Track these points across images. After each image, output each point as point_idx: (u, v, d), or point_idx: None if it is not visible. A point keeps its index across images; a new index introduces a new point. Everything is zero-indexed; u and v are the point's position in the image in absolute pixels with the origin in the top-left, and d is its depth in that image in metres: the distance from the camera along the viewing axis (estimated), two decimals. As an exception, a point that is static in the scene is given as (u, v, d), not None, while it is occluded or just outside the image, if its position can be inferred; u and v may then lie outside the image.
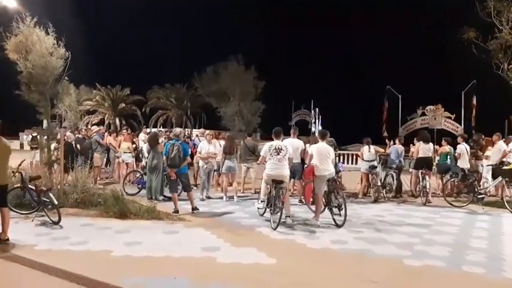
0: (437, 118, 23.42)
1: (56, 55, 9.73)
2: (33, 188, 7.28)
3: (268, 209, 7.41)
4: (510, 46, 16.57)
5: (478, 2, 18.83)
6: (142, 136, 14.67)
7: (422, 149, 10.19)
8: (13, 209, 7.66)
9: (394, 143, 11.23)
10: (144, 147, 13.80)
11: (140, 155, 12.93)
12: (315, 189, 7.56)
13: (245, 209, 8.83)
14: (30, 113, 10.49)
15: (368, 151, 10.55)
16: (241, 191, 10.87)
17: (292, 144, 9.38)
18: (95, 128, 12.96)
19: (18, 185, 7.57)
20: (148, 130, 19.10)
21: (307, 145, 9.40)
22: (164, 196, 9.75)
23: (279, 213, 6.81)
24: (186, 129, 30.88)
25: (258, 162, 8.12)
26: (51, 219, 7.12)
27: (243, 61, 24.38)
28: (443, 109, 25.33)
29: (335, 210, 7.26)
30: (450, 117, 25.09)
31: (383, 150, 11.24)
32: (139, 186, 10.52)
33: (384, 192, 10.38)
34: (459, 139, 11.08)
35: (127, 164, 12.48)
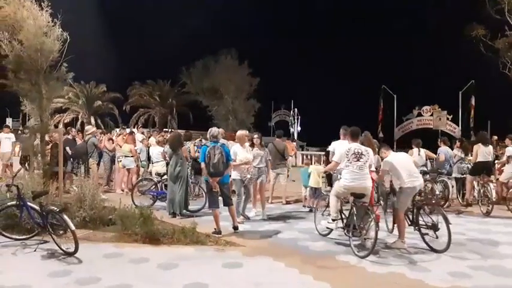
0: (442, 119, 22.65)
1: (51, 36, 7.81)
2: (37, 208, 5.45)
3: (339, 228, 5.96)
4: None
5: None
6: (139, 137, 12.81)
7: (482, 152, 8.97)
8: (3, 233, 5.81)
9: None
10: (143, 149, 12.03)
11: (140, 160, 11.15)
12: (394, 205, 6.10)
13: (294, 226, 7.29)
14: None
15: (418, 154, 9.27)
16: (269, 201, 9.36)
17: (343, 146, 8.02)
18: (91, 129, 10.91)
19: (14, 202, 5.69)
20: (129, 130, 17.13)
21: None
22: (188, 211, 8.06)
23: (370, 240, 5.33)
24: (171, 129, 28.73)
25: (328, 169, 6.51)
26: (62, 249, 5.30)
27: (236, 56, 22.75)
28: (440, 109, 24.80)
29: (426, 231, 5.82)
30: (448, 118, 24.57)
31: (434, 155, 9.97)
32: (155, 197, 8.71)
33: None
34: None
35: (129, 169, 10.62)
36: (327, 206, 6.72)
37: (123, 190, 10.31)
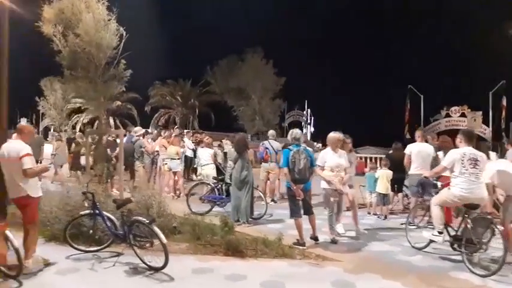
0: (477, 120, 21.94)
1: (108, 31, 7.30)
2: (112, 217, 4.93)
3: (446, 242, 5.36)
4: None
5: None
6: (187, 141, 12.25)
7: None
8: (72, 244, 5.29)
9: None
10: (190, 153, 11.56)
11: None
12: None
13: (377, 237, 6.67)
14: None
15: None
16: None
17: (421, 150, 7.43)
18: (140, 130, 10.35)
19: (88, 211, 5.17)
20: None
21: (439, 152, 7.37)
22: (252, 218, 7.50)
23: (493, 257, 4.73)
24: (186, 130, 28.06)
25: (434, 173, 5.82)
26: (146, 263, 4.77)
27: (262, 54, 22.17)
28: (469, 110, 24.07)
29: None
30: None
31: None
32: (212, 202, 8.15)
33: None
34: None
35: (175, 173, 10.09)
36: (424, 215, 6.17)
37: (171, 194, 9.79)
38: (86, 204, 5.10)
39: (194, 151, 12.74)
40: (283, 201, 9.90)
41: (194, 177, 13.36)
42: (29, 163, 4.53)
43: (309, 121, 38.15)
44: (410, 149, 7.49)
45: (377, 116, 43.99)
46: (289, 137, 6.26)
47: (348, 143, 6.71)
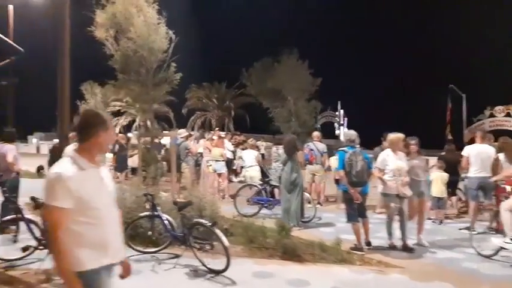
0: (529, 120, 20.75)
1: (158, 34, 7.38)
2: (171, 219, 4.94)
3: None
4: None
5: None
6: (226, 143, 12.26)
7: None
8: (131, 245, 5.33)
9: None
10: (230, 154, 11.55)
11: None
12: None
13: (434, 241, 6.33)
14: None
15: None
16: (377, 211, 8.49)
17: (480, 151, 7.05)
18: (183, 132, 10.47)
19: (147, 213, 5.21)
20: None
21: (500, 154, 6.95)
22: (302, 221, 7.36)
23: None
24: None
25: (503, 177, 5.53)
26: (206, 266, 4.73)
27: (297, 55, 21.98)
28: (516, 110, 22.87)
29: None
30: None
31: None
32: (260, 205, 8.08)
33: None
34: None
35: (219, 174, 10.11)
36: (492, 220, 5.84)
37: (216, 196, 9.79)
38: (147, 206, 5.13)
39: (233, 153, 12.76)
40: (328, 204, 9.74)
41: (234, 178, 13.39)
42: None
43: (342, 122, 37.60)
44: (468, 150, 7.11)
45: (416, 117, 42.60)
46: (343, 139, 6.08)
47: (412, 144, 6.27)
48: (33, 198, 4.67)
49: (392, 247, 5.90)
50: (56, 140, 8.87)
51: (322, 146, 9.39)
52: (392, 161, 5.80)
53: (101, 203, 2.13)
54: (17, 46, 16.31)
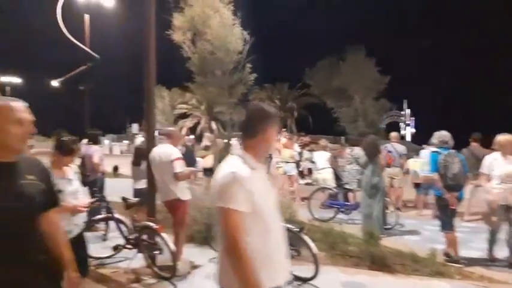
0: None
1: (233, 35, 7.34)
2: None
3: None
4: None
5: None
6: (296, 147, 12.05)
7: None
8: (213, 246, 5.27)
9: None
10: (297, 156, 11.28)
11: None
12: None
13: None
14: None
15: None
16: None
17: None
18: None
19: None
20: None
21: None
22: (384, 228, 6.90)
23: None
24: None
25: None
26: (293, 274, 4.52)
27: (364, 52, 21.18)
28: None
29: None
30: None
31: None
32: (337, 209, 7.75)
33: None
34: None
35: (289, 176, 9.90)
36: None
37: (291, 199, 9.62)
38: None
39: (300, 154, 12.48)
40: (407, 209, 9.10)
41: (300, 181, 13.10)
42: (180, 167, 4.60)
43: (408, 122, 35.79)
44: None
45: (485, 118, 39.41)
46: (435, 140, 5.56)
47: None
48: (124, 199, 4.78)
49: (492, 260, 5.31)
50: (139, 140, 9.20)
51: (401, 148, 8.81)
52: (500, 165, 5.16)
53: (269, 209, 1.92)
54: (93, 53, 17.46)
